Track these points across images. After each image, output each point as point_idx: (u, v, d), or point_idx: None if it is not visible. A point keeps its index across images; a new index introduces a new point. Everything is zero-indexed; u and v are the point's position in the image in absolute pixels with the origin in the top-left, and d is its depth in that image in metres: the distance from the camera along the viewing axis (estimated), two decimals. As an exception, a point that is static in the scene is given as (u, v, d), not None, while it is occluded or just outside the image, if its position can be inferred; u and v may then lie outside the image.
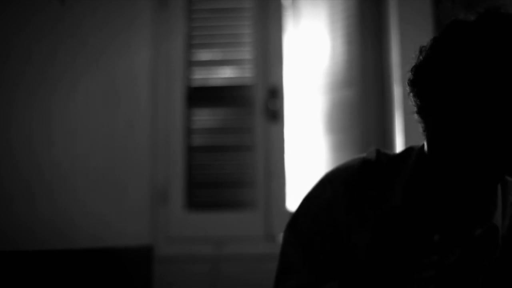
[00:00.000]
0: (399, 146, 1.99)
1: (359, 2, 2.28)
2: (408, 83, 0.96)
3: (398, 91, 2.01)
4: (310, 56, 2.37)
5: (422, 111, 0.94)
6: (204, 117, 2.36)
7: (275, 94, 2.29)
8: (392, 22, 2.09)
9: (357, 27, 2.27)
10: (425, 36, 1.01)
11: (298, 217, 1.07)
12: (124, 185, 2.07)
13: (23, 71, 1.49)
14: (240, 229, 2.23)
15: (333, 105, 2.30)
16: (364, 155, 1.06)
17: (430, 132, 0.93)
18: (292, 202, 2.26)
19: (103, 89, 1.94)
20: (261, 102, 2.30)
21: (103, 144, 1.92)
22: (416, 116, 0.96)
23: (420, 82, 0.93)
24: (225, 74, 2.37)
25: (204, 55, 2.39)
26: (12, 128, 1.44)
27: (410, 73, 0.95)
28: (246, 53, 2.34)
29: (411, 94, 0.95)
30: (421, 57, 0.94)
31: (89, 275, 1.29)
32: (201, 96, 2.35)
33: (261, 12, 2.34)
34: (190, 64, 2.36)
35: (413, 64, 0.95)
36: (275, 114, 2.28)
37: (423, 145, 0.99)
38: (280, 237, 2.20)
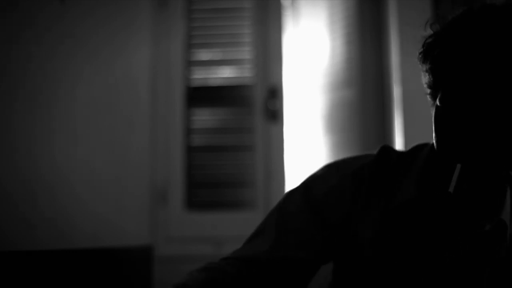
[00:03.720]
0: (399, 146, 1.99)
1: (359, 2, 2.28)
2: (418, 59, 0.95)
3: (398, 91, 2.01)
4: (310, 56, 2.37)
5: (434, 89, 0.94)
6: (204, 117, 2.36)
7: (274, 94, 2.29)
8: (392, 22, 2.09)
9: (357, 27, 2.27)
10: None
11: (293, 194, 1.06)
12: (124, 185, 2.07)
13: (24, 71, 1.49)
14: (240, 229, 2.21)
15: (333, 105, 2.30)
16: (375, 152, 1.06)
17: (436, 111, 0.92)
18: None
19: (103, 89, 1.94)
20: (261, 102, 2.30)
21: (103, 144, 1.92)
22: (428, 98, 0.96)
23: (432, 55, 0.92)
24: (225, 74, 2.37)
25: (204, 55, 2.39)
26: (12, 127, 1.44)
27: (421, 48, 0.95)
28: (246, 53, 2.34)
29: (423, 70, 0.95)
30: (431, 30, 0.94)
31: (89, 275, 1.29)
32: (201, 96, 2.35)
33: (261, 12, 2.34)
34: (190, 64, 2.36)
35: (423, 38, 0.94)
36: (274, 114, 2.28)
37: None
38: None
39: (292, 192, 1.07)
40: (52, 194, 1.60)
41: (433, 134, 0.94)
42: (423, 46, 0.95)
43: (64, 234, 1.61)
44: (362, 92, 2.25)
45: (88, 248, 1.36)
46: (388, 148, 1.06)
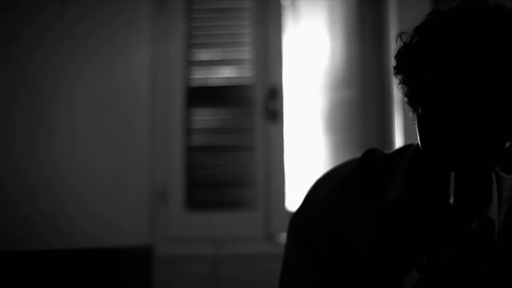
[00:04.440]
0: (399, 146, 1.99)
1: (359, 2, 2.28)
2: (393, 72, 0.96)
3: (397, 91, 2.01)
4: (310, 56, 2.37)
5: (411, 99, 0.95)
6: (204, 117, 2.36)
7: (274, 94, 2.29)
8: (391, 22, 2.09)
9: (357, 27, 2.27)
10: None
11: (298, 219, 1.08)
12: (124, 184, 2.07)
13: (24, 71, 1.49)
14: (240, 229, 2.23)
15: (333, 105, 2.31)
16: (359, 155, 1.07)
17: (419, 120, 0.94)
18: (292, 202, 2.26)
19: (103, 89, 1.95)
20: (261, 102, 2.30)
21: (103, 144, 1.92)
22: (407, 105, 0.97)
23: (404, 67, 0.93)
24: (225, 74, 2.37)
25: (204, 55, 2.39)
26: (13, 127, 1.44)
27: (394, 60, 0.96)
28: (246, 53, 2.34)
29: (398, 82, 0.96)
30: (402, 43, 0.95)
31: (89, 275, 1.29)
32: (201, 96, 2.35)
33: (261, 12, 2.34)
34: (190, 64, 2.36)
35: (397, 50, 0.95)
36: (274, 114, 2.28)
37: None
38: (279, 237, 2.21)
39: (296, 217, 1.09)
40: (52, 194, 1.60)
41: (418, 140, 0.96)
42: (395, 58, 0.96)
43: (64, 234, 1.61)
44: (362, 92, 2.25)
45: (88, 248, 1.36)
46: (373, 151, 1.07)
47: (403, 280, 0.97)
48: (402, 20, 2.02)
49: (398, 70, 0.95)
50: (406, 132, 1.95)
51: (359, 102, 2.25)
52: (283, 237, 2.21)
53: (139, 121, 2.23)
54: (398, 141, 2.01)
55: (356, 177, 1.04)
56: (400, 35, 0.95)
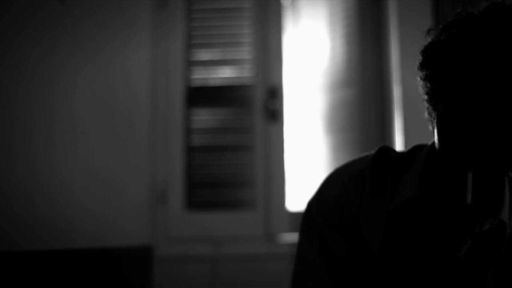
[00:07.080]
0: (399, 146, 1.99)
1: (359, 2, 2.28)
2: (417, 67, 0.96)
3: (398, 91, 2.01)
4: (310, 56, 2.37)
5: (433, 97, 0.94)
6: (204, 117, 2.36)
7: (274, 94, 2.29)
8: (391, 22, 2.09)
9: (357, 27, 2.27)
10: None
11: (311, 211, 1.07)
12: (124, 185, 2.07)
13: (23, 71, 1.49)
14: (240, 229, 2.23)
15: (333, 105, 2.31)
16: (373, 152, 1.07)
17: (440, 119, 0.93)
18: (292, 202, 2.26)
19: (103, 89, 1.95)
20: (261, 102, 2.30)
21: (103, 144, 1.92)
22: (426, 104, 0.96)
23: (431, 63, 0.93)
24: (225, 74, 2.37)
25: (203, 55, 2.39)
26: (12, 127, 1.44)
27: (420, 56, 0.95)
28: (245, 53, 2.34)
29: (421, 79, 0.95)
30: (429, 39, 0.94)
31: (89, 275, 1.29)
32: (201, 96, 2.35)
33: (261, 12, 2.34)
34: (190, 64, 2.36)
35: (423, 47, 0.95)
36: (274, 114, 2.28)
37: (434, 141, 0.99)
38: (279, 237, 2.21)
39: (309, 212, 1.09)
40: (52, 195, 1.60)
41: (436, 140, 0.95)
42: (421, 53, 0.95)
43: (64, 234, 1.61)
44: (362, 92, 2.25)
45: (88, 248, 1.36)
46: (387, 148, 1.07)
47: (414, 279, 0.97)
48: (402, 20, 2.02)
49: (423, 66, 0.95)
50: (406, 132, 1.95)
51: (359, 102, 2.25)
52: (283, 237, 2.21)
53: (139, 121, 2.23)
54: (398, 141, 2.01)
55: (371, 173, 1.04)
56: (428, 31, 0.95)
